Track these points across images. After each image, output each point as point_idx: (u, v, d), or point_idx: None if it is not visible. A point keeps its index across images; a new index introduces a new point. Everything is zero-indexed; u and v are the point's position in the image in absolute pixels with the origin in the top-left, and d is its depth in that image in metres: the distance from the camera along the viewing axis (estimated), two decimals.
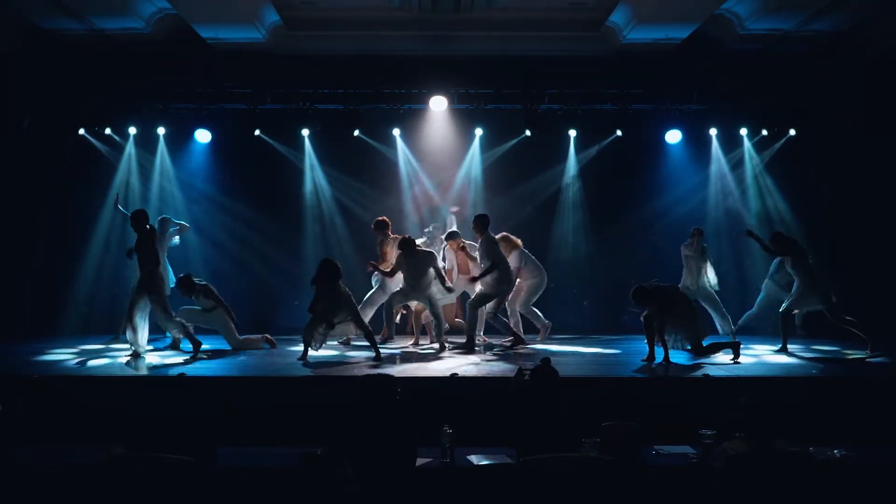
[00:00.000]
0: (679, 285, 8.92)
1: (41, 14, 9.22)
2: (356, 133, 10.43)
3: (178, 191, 10.65)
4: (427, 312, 8.65)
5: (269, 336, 8.66)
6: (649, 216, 10.60)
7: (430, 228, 9.51)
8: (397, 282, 8.61)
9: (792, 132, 10.53)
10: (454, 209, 9.96)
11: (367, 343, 7.82)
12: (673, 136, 10.58)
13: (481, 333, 9.03)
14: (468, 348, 8.17)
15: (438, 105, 10.26)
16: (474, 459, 4.68)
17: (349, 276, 8.59)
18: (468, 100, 10.37)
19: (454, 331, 9.15)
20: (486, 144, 10.71)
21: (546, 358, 4.90)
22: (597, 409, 5.05)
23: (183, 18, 9.20)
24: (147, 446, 3.95)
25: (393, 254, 8.65)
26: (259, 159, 10.55)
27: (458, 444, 4.70)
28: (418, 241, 8.60)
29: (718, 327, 9.12)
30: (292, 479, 4.05)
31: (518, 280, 8.79)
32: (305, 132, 10.55)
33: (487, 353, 8.15)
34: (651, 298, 7.40)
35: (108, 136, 10.49)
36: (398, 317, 9.04)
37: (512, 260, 8.66)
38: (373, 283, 9.01)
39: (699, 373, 6.75)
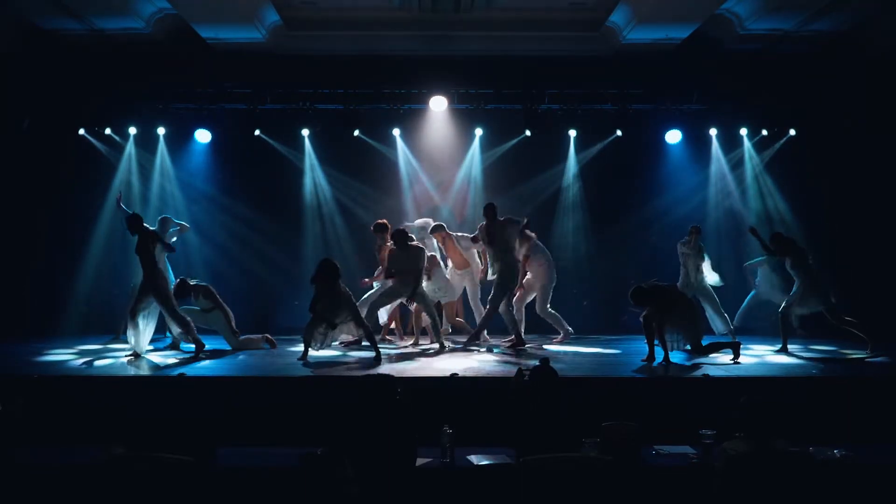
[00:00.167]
0: (678, 284, 8.92)
1: (41, 14, 9.22)
2: (356, 133, 10.43)
3: (178, 191, 10.65)
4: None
5: (269, 336, 8.67)
6: (649, 216, 10.61)
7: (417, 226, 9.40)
8: None
9: (792, 132, 10.53)
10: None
11: (368, 343, 7.82)
12: (673, 136, 10.59)
13: (484, 332, 9.04)
14: (519, 343, 8.29)
15: (438, 105, 10.26)
16: (474, 459, 4.68)
17: (349, 277, 8.60)
18: (468, 100, 10.37)
19: (454, 330, 9.19)
20: (486, 144, 10.72)
21: (545, 358, 4.90)
22: (597, 409, 5.06)
23: (183, 18, 9.20)
24: (147, 446, 3.95)
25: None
26: (259, 159, 10.55)
27: (458, 444, 4.70)
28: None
29: (714, 327, 9.12)
30: (292, 479, 4.05)
31: (529, 276, 8.80)
32: (305, 132, 10.55)
33: (487, 352, 8.15)
34: (650, 298, 7.40)
35: (108, 136, 10.48)
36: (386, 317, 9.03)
37: (522, 253, 8.70)
38: (374, 285, 9.01)
39: (699, 373, 6.76)
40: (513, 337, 8.48)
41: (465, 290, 9.17)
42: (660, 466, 4.69)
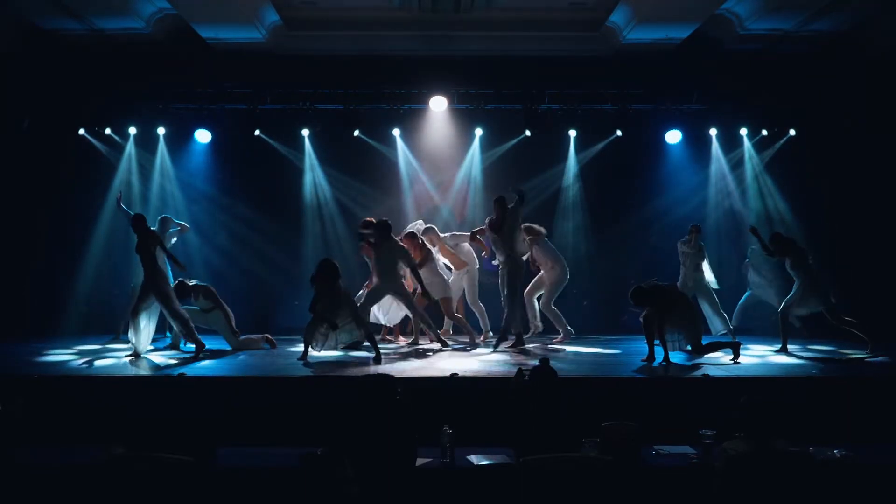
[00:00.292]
0: (678, 284, 8.93)
1: (41, 14, 9.22)
2: (356, 133, 10.43)
3: (178, 191, 10.65)
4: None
5: (269, 336, 8.67)
6: (649, 216, 10.61)
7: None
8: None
9: (792, 132, 10.53)
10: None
11: (367, 343, 7.82)
12: (673, 136, 10.59)
13: (487, 330, 9.06)
14: (565, 335, 8.58)
15: (438, 105, 10.26)
16: (474, 459, 4.68)
17: (349, 277, 8.60)
18: (468, 100, 10.37)
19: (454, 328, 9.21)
20: (486, 144, 10.72)
21: (545, 358, 4.90)
22: (597, 409, 5.06)
23: (183, 18, 9.20)
24: (147, 446, 3.95)
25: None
26: (259, 159, 10.55)
27: (458, 444, 4.71)
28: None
29: (712, 327, 9.12)
30: (292, 479, 4.05)
31: (541, 273, 8.85)
32: (305, 132, 10.55)
33: (487, 351, 8.15)
34: (650, 298, 7.40)
35: (108, 136, 10.48)
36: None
37: (530, 247, 8.75)
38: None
39: (699, 373, 6.76)
40: (561, 335, 8.70)
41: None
42: (660, 466, 4.69)
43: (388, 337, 9.06)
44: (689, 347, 7.49)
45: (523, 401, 4.62)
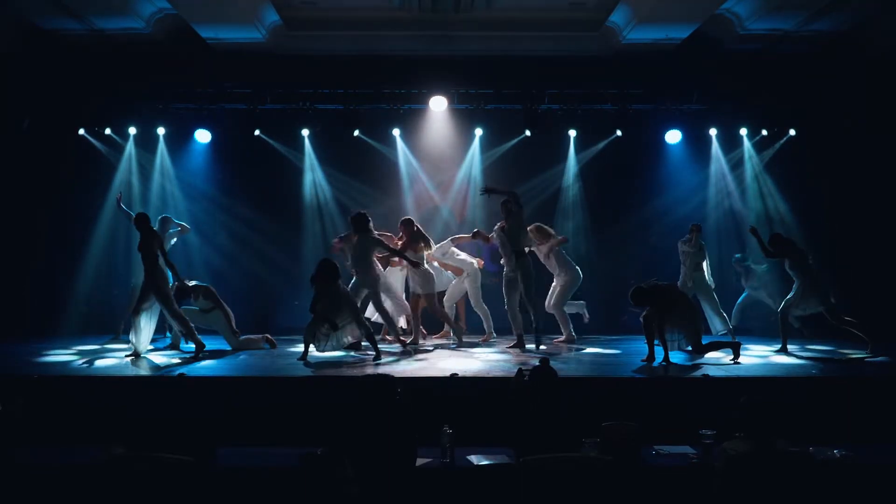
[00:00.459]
0: (678, 283, 8.93)
1: (41, 14, 9.22)
2: (356, 133, 10.43)
3: (178, 191, 10.65)
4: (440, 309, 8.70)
5: (269, 336, 8.67)
6: (649, 216, 10.61)
7: None
8: (395, 279, 8.70)
9: (792, 132, 10.54)
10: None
11: (368, 343, 7.83)
12: (673, 136, 10.59)
13: (491, 331, 9.06)
14: (568, 339, 8.53)
15: (438, 105, 10.26)
16: (474, 459, 4.68)
17: (349, 277, 8.59)
18: (468, 100, 10.37)
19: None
20: (486, 144, 10.72)
21: (545, 358, 4.90)
22: (597, 409, 5.06)
23: (183, 18, 9.20)
24: (147, 446, 3.95)
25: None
26: (259, 159, 10.55)
27: (458, 444, 4.71)
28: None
29: (712, 327, 9.12)
30: (292, 479, 4.05)
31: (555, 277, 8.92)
32: (305, 132, 10.55)
33: (487, 351, 8.15)
34: (650, 298, 7.40)
35: (108, 136, 10.49)
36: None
37: (544, 252, 8.82)
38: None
39: (699, 373, 6.75)
40: (564, 337, 8.71)
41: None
42: (660, 466, 4.69)
43: (387, 337, 9.05)
44: (689, 347, 7.49)
45: (523, 401, 4.62)
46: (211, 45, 9.85)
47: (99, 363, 7.46)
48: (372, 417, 4.23)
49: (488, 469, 4.58)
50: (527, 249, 8.53)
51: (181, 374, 6.44)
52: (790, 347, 8.19)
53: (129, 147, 10.55)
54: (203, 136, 10.51)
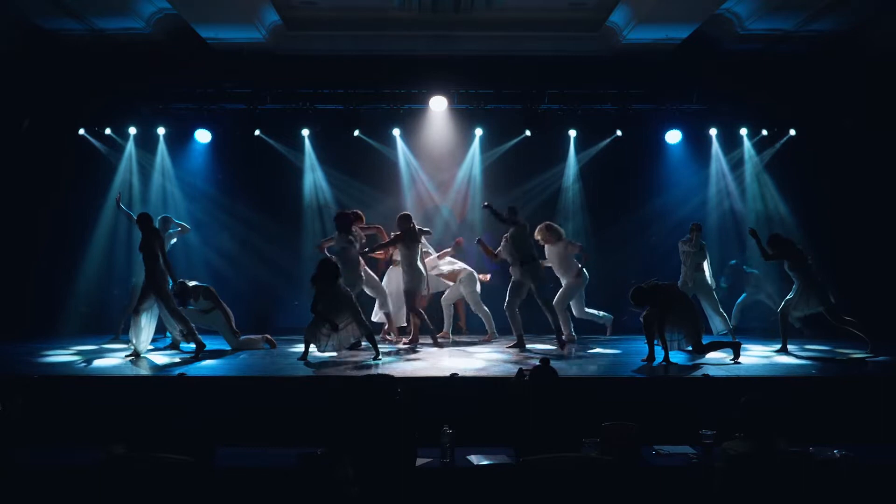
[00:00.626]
0: (678, 283, 8.93)
1: (41, 14, 9.22)
2: (356, 133, 10.43)
3: (178, 191, 10.65)
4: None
5: (269, 336, 8.67)
6: (649, 216, 10.61)
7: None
8: (397, 278, 8.71)
9: (792, 132, 10.54)
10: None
11: (368, 343, 7.83)
12: (673, 136, 10.59)
13: (493, 331, 9.08)
14: (568, 339, 8.50)
15: (438, 105, 10.26)
16: (474, 459, 4.69)
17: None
18: (468, 100, 10.37)
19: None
20: (486, 144, 10.72)
21: (545, 358, 4.90)
22: (597, 409, 5.06)
23: (183, 18, 9.20)
24: (147, 446, 3.95)
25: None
26: (259, 159, 10.55)
27: (458, 444, 4.71)
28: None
29: (713, 327, 9.12)
30: (292, 479, 4.05)
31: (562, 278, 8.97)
32: (305, 132, 10.55)
33: (487, 351, 8.14)
34: (650, 298, 7.40)
35: (108, 136, 10.49)
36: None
37: (548, 253, 8.84)
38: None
39: (699, 373, 6.75)
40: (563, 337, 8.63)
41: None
42: (660, 466, 4.69)
43: (387, 337, 9.06)
44: (689, 347, 7.49)
45: (523, 401, 4.62)
46: (211, 45, 9.85)
47: (99, 363, 7.46)
48: (372, 417, 4.23)
49: (488, 469, 4.58)
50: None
51: (181, 374, 6.45)
52: (790, 347, 8.19)
53: (129, 147, 10.55)
54: (203, 136, 10.51)
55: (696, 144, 10.74)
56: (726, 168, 10.76)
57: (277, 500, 4.38)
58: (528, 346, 8.51)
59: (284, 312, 10.30)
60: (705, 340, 7.66)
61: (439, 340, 8.72)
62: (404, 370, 6.87)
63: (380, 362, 7.40)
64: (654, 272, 8.51)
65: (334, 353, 7.68)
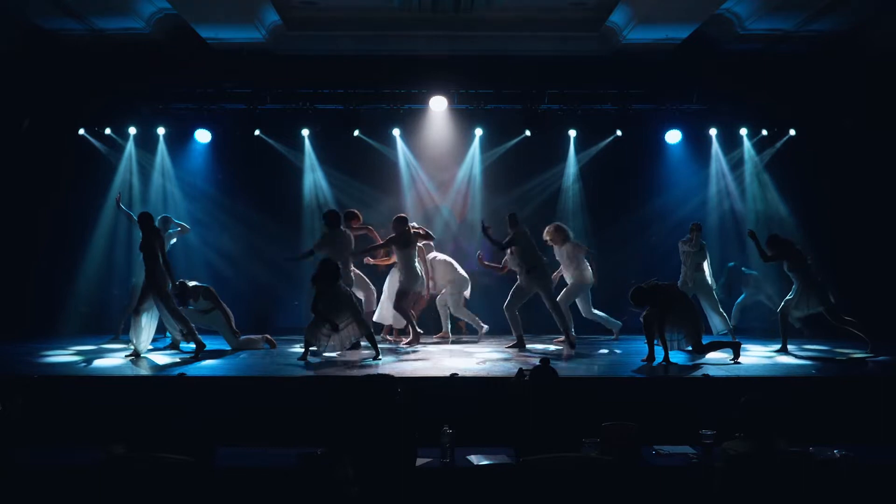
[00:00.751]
0: (678, 283, 8.93)
1: (41, 14, 9.21)
2: (356, 133, 10.43)
3: (178, 191, 10.65)
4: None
5: (269, 336, 8.67)
6: (649, 216, 10.61)
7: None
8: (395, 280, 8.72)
9: (792, 132, 10.54)
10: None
11: (367, 343, 7.83)
12: (673, 136, 10.59)
13: (480, 328, 9.09)
14: (571, 344, 8.34)
15: (438, 105, 10.26)
16: (474, 459, 4.69)
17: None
18: (468, 100, 10.37)
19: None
20: (486, 144, 10.72)
21: (545, 358, 4.90)
22: (597, 409, 5.06)
23: (183, 18, 9.20)
24: (147, 446, 3.95)
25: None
26: (259, 159, 10.55)
27: (458, 444, 4.71)
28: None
29: (712, 327, 9.12)
30: (292, 479, 4.05)
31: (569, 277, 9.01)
32: (305, 132, 10.54)
33: (487, 351, 8.15)
34: (650, 298, 7.40)
35: (108, 136, 10.49)
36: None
37: (557, 254, 8.90)
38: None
39: (699, 373, 6.75)
40: (563, 337, 8.63)
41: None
42: (660, 466, 4.69)
43: (387, 337, 9.06)
44: (689, 347, 7.49)
45: (523, 401, 4.62)
46: (211, 45, 9.84)
47: (99, 363, 7.46)
48: (372, 417, 4.23)
49: (488, 469, 4.58)
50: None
51: (181, 374, 6.45)
52: (790, 347, 8.19)
53: (129, 147, 10.55)
54: (203, 136, 10.50)
55: (696, 144, 10.74)
56: (726, 168, 10.76)
57: (277, 500, 4.38)
58: (528, 346, 8.51)
59: (284, 312, 10.30)
60: (705, 340, 7.66)
61: (435, 340, 8.74)
62: (404, 370, 6.87)
63: (380, 362, 7.40)
64: (654, 272, 8.52)
65: (334, 353, 7.67)
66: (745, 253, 10.16)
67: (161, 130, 10.52)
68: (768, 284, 9.63)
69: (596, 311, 9.26)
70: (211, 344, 8.17)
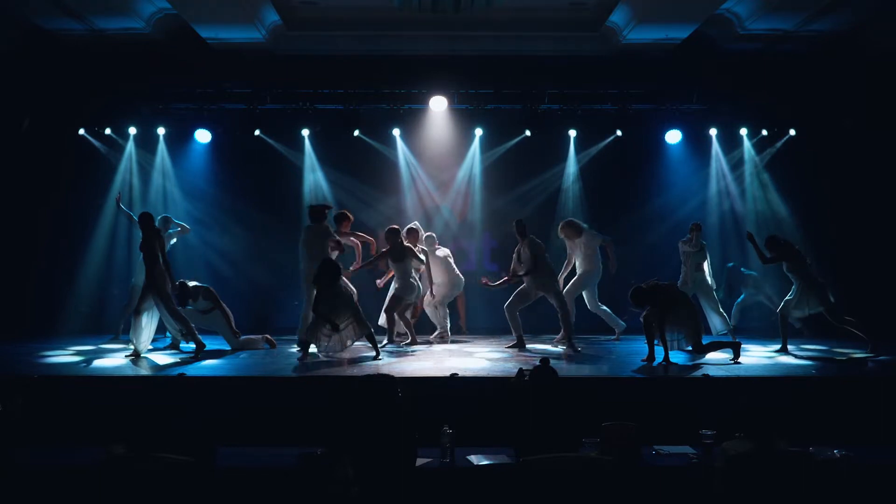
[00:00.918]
0: (678, 283, 8.93)
1: (41, 14, 9.22)
2: (356, 133, 10.44)
3: (178, 191, 10.65)
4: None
5: (269, 336, 8.67)
6: (649, 216, 10.61)
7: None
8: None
9: (792, 132, 10.54)
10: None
11: (368, 343, 7.83)
12: (673, 136, 10.59)
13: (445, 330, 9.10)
14: (573, 348, 8.25)
15: (438, 105, 10.27)
16: (474, 459, 4.69)
17: (352, 278, 8.62)
18: (468, 100, 10.37)
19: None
20: (486, 144, 10.72)
21: (545, 358, 4.90)
22: (597, 409, 5.06)
23: (183, 18, 9.20)
24: (147, 446, 3.95)
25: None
26: (259, 159, 10.55)
27: (458, 444, 4.71)
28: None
29: (712, 327, 9.13)
30: (292, 479, 4.05)
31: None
32: (305, 132, 10.55)
33: (487, 351, 8.15)
34: (650, 298, 7.40)
35: (108, 136, 10.50)
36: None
37: (571, 248, 8.95)
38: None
39: (699, 373, 6.75)
40: (561, 336, 8.62)
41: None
42: (660, 466, 4.69)
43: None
44: (689, 347, 7.49)
45: (523, 401, 4.62)
46: (211, 45, 9.85)
47: (99, 363, 7.46)
48: (372, 417, 4.23)
49: (488, 469, 4.58)
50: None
51: (181, 374, 6.45)
52: (790, 347, 8.19)
53: (129, 147, 10.56)
54: (203, 136, 10.51)
55: (696, 144, 10.74)
56: (726, 168, 10.77)
57: (277, 500, 4.38)
58: (528, 346, 8.51)
59: (284, 312, 10.28)
60: (705, 340, 7.66)
61: (431, 339, 8.75)
62: (404, 370, 6.87)
63: (380, 362, 7.40)
64: (654, 272, 8.51)
65: (334, 354, 7.67)
66: (745, 253, 10.14)
67: (161, 130, 10.53)
68: (768, 285, 9.64)
69: (602, 307, 9.25)
70: (211, 344, 8.17)
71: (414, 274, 8.57)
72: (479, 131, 10.60)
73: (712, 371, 6.73)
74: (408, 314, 8.81)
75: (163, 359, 7.70)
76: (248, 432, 5.57)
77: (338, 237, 8.53)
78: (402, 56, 10.13)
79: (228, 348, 8.27)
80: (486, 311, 9.84)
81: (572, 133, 10.62)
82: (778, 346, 8.21)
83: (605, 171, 10.63)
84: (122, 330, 9.01)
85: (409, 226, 9.04)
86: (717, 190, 10.79)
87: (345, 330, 7.62)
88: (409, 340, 8.69)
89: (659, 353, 7.33)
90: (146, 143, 10.62)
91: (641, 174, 10.69)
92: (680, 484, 4.55)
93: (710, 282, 9.26)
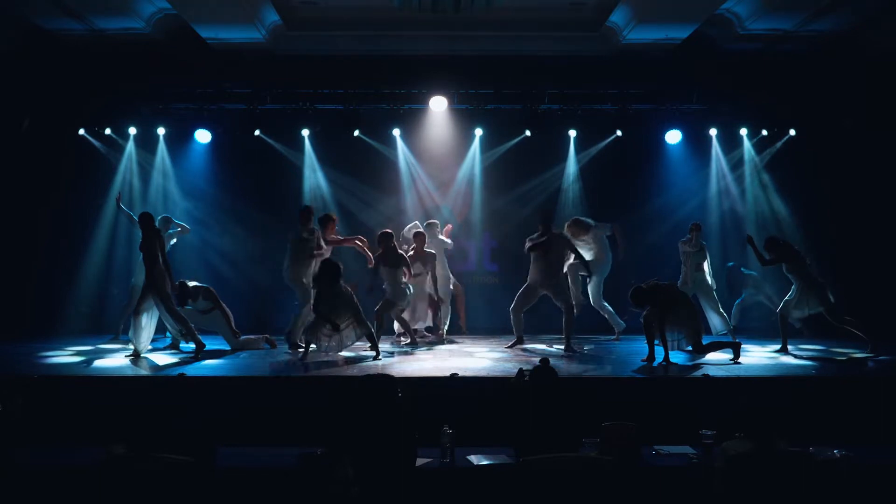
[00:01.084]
0: (678, 283, 8.93)
1: (41, 14, 9.22)
2: (356, 133, 10.44)
3: (178, 191, 10.65)
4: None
5: (269, 336, 8.67)
6: (649, 216, 10.61)
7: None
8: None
9: (792, 132, 10.54)
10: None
11: (368, 343, 7.84)
12: (673, 136, 10.60)
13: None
14: (571, 350, 8.20)
15: (438, 105, 10.27)
16: (474, 459, 4.69)
17: (351, 277, 8.60)
18: (468, 100, 10.37)
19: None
20: (486, 144, 10.73)
21: (545, 358, 4.90)
22: (597, 409, 5.06)
23: (183, 18, 9.20)
24: (147, 446, 3.95)
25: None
26: (259, 159, 10.56)
27: (458, 444, 4.71)
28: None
29: (712, 327, 9.13)
30: (292, 479, 4.05)
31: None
32: (305, 132, 10.55)
33: (487, 351, 8.15)
34: (650, 298, 7.40)
35: (108, 136, 10.50)
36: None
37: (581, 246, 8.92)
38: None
39: (699, 373, 6.75)
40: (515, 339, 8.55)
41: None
42: (660, 466, 4.69)
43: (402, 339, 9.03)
44: (689, 347, 7.49)
45: (523, 401, 4.62)
46: (211, 45, 9.85)
47: (99, 363, 7.46)
48: (372, 417, 4.23)
49: (488, 469, 4.58)
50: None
51: (181, 374, 6.45)
52: (790, 347, 8.19)
53: (129, 147, 10.57)
54: (203, 136, 10.51)
55: (696, 144, 10.74)
56: (726, 168, 10.77)
57: (277, 500, 4.38)
58: (528, 346, 8.51)
59: (284, 313, 10.26)
60: (705, 340, 7.66)
61: (427, 337, 8.78)
62: (404, 370, 6.86)
63: (380, 362, 7.40)
64: (654, 272, 8.51)
65: (334, 354, 7.67)
66: (745, 253, 10.13)
67: (161, 130, 10.53)
68: (768, 285, 9.64)
69: (605, 304, 9.24)
70: (211, 344, 8.17)
71: (403, 281, 8.51)
72: (479, 131, 10.60)
73: (712, 371, 6.73)
74: (406, 314, 8.80)
75: (163, 359, 7.70)
76: (248, 432, 5.57)
77: (322, 241, 8.51)
78: (402, 56, 10.13)
79: (228, 348, 8.28)
80: (486, 311, 9.85)
81: (572, 133, 10.63)
82: (778, 346, 8.21)
83: (605, 172, 10.63)
84: (121, 330, 9.01)
85: (416, 230, 8.97)
86: (717, 190, 10.80)
87: (345, 330, 7.62)
88: (408, 340, 8.69)
89: (659, 353, 7.33)
90: (146, 143, 10.62)
91: (641, 174, 10.69)
92: (680, 484, 4.55)
93: (710, 282, 9.27)
